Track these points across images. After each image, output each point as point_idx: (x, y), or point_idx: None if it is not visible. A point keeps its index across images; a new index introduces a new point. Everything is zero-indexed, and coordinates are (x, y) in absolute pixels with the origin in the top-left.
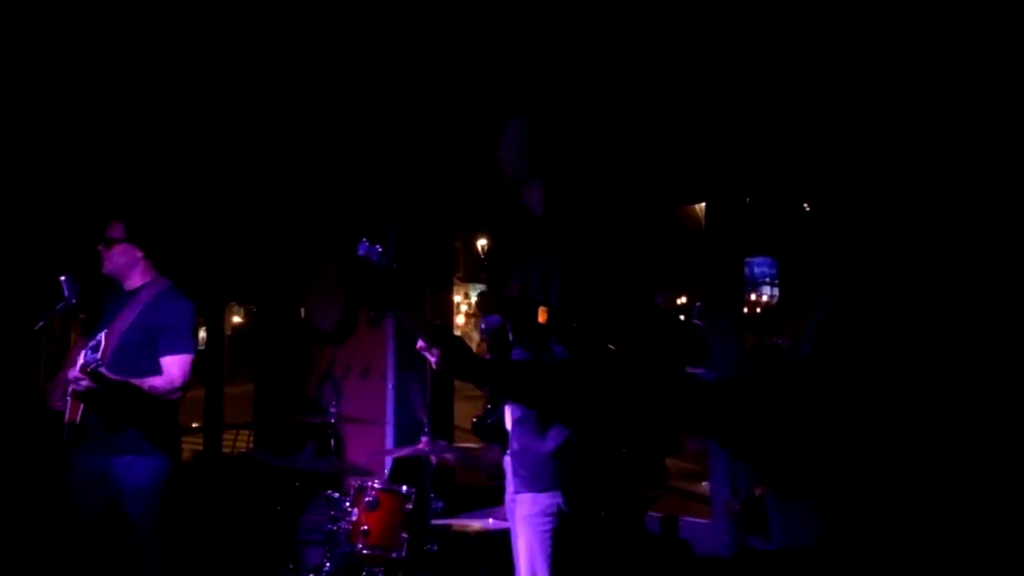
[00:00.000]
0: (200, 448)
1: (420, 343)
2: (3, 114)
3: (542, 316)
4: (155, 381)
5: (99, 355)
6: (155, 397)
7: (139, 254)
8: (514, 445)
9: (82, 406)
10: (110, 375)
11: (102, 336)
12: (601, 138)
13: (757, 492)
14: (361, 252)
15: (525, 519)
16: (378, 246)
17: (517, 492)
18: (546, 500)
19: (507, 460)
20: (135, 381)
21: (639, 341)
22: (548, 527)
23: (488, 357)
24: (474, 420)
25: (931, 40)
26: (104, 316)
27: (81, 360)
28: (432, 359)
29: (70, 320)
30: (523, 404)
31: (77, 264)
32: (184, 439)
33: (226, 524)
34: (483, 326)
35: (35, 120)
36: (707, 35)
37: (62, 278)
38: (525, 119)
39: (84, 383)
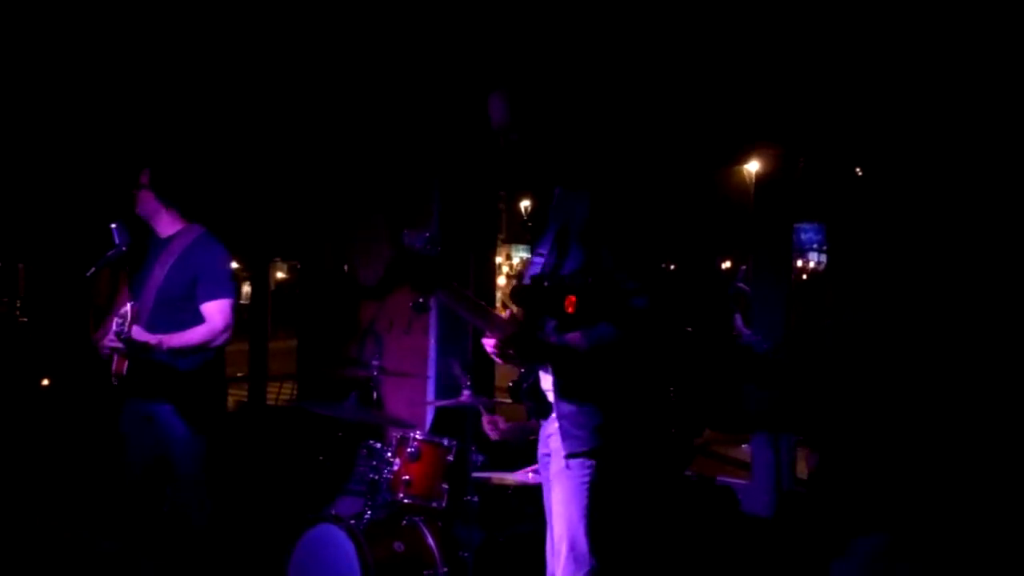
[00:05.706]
0: (244, 399)
1: (488, 342)
2: (66, 64)
3: (569, 307)
4: (194, 334)
5: (125, 323)
6: (197, 348)
7: (162, 202)
8: (556, 410)
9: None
10: (139, 339)
11: (128, 307)
12: (626, 94)
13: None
14: (406, 241)
15: (561, 472)
16: (424, 232)
17: (567, 454)
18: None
19: (543, 422)
20: (167, 339)
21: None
22: (586, 479)
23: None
24: (510, 384)
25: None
26: (142, 268)
27: (114, 327)
28: (489, 347)
29: (119, 269)
30: (569, 379)
31: (129, 211)
32: (229, 389)
33: (269, 472)
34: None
35: (92, 70)
36: None
37: (113, 225)
38: (498, 92)
39: (122, 348)
